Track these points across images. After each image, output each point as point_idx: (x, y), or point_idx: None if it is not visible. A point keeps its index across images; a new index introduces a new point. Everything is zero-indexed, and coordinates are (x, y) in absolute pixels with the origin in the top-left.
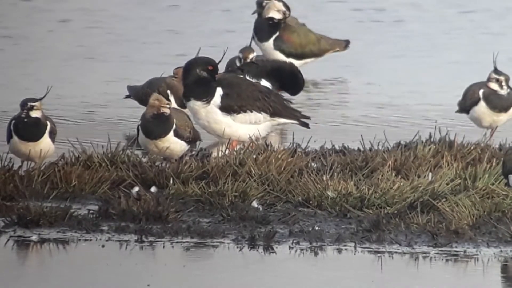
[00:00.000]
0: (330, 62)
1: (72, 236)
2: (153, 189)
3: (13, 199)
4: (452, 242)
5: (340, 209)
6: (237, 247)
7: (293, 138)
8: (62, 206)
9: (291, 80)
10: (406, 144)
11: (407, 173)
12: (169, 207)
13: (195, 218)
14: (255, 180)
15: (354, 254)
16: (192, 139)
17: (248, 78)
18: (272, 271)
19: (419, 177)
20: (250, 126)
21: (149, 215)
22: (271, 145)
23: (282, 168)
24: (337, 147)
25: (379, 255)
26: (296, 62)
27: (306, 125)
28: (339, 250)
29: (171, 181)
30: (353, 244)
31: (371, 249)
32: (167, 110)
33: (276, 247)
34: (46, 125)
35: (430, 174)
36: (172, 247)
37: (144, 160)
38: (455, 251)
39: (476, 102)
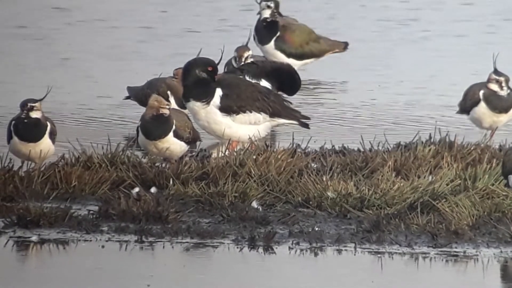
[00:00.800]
0: (330, 62)
1: (72, 237)
2: (153, 189)
3: (13, 200)
4: (452, 243)
5: (340, 209)
6: (237, 248)
7: (293, 139)
8: (62, 207)
9: (289, 81)
10: (406, 145)
11: (407, 174)
12: (169, 207)
13: (195, 219)
14: (255, 181)
15: (354, 254)
16: (191, 139)
17: (247, 78)
18: (272, 272)
19: (419, 177)
20: (249, 126)
21: (149, 216)
22: (271, 146)
23: (282, 169)
24: (337, 148)
25: (379, 255)
26: (296, 63)
27: (306, 126)
28: (339, 251)
29: (171, 182)
30: (353, 244)
31: (371, 250)
32: (166, 111)
33: (276, 248)
34: (46, 125)
35: (430, 175)
36: (172, 247)
37: (144, 160)
38: (455, 251)
39: (476, 103)
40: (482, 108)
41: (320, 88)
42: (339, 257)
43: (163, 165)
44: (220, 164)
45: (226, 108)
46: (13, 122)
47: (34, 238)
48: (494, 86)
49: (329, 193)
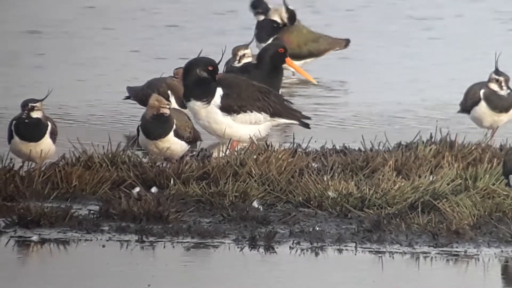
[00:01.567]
0: (330, 61)
1: (73, 236)
2: (153, 189)
3: (14, 200)
4: (453, 242)
5: (341, 209)
6: (238, 247)
7: (293, 138)
8: (63, 207)
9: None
10: (407, 144)
11: (408, 173)
12: (169, 207)
13: (195, 218)
14: (255, 181)
15: (355, 254)
16: (192, 139)
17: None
18: (273, 272)
19: (420, 177)
20: (250, 126)
21: (150, 215)
22: (271, 145)
23: (283, 168)
24: (337, 147)
25: (380, 255)
26: (295, 62)
27: (306, 125)
28: (340, 251)
29: (171, 182)
30: (354, 244)
31: (372, 249)
32: (167, 111)
33: (277, 248)
34: (47, 125)
35: (431, 175)
36: (173, 247)
37: (144, 160)
38: (456, 251)
39: (476, 102)
40: (482, 108)
41: (320, 88)
42: (340, 256)
43: (164, 164)
44: (220, 163)
45: (227, 108)
46: (14, 122)
47: (35, 237)
48: (494, 86)
49: (330, 193)
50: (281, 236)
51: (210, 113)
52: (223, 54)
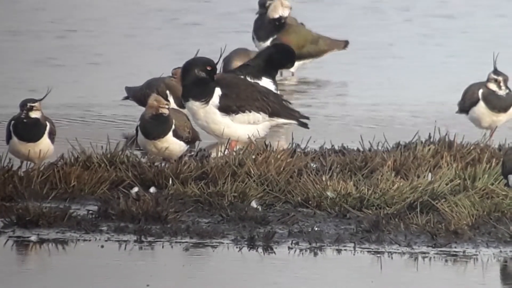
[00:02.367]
0: (329, 62)
1: (71, 237)
2: (152, 189)
3: (13, 200)
4: (451, 243)
5: (340, 209)
6: (236, 248)
7: (292, 138)
8: (61, 207)
9: (283, 54)
10: (405, 145)
11: (406, 174)
12: (168, 207)
13: (194, 219)
14: (254, 181)
15: (354, 254)
16: (191, 139)
17: (248, 78)
18: (271, 272)
19: (418, 177)
20: (249, 126)
21: (148, 216)
22: (270, 146)
23: (282, 169)
24: (336, 147)
25: (378, 255)
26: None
27: (305, 125)
28: (339, 251)
29: (170, 182)
30: (352, 244)
31: (371, 250)
32: (166, 111)
33: (276, 248)
34: (46, 125)
35: (430, 174)
36: (171, 247)
37: (143, 160)
38: (455, 251)
39: (475, 102)
40: (481, 108)
41: (319, 87)
42: (339, 257)
43: (163, 164)
44: (219, 164)
45: (225, 108)
46: (13, 122)
47: (33, 238)
48: (493, 86)
49: (328, 193)
50: (280, 236)
51: (208, 113)
52: (221, 55)
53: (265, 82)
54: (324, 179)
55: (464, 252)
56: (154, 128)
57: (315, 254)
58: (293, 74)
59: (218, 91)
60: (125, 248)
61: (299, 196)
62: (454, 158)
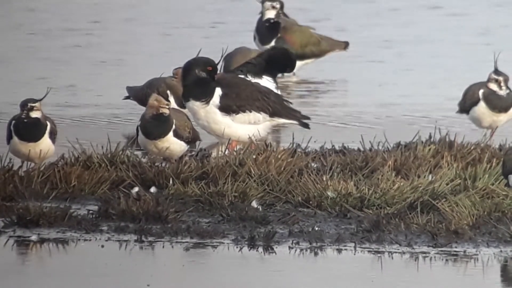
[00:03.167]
0: (330, 62)
1: (72, 236)
2: (152, 189)
3: (13, 200)
4: (452, 242)
5: (340, 209)
6: (237, 247)
7: (293, 138)
8: (62, 206)
9: (284, 59)
10: (406, 144)
11: (407, 173)
12: (168, 207)
13: (194, 218)
14: (254, 180)
15: (354, 254)
16: (191, 139)
17: (249, 78)
18: (272, 271)
19: (419, 177)
20: (249, 126)
21: (149, 215)
22: (270, 145)
23: (282, 168)
24: (337, 147)
25: (379, 255)
26: (297, 63)
27: (306, 125)
28: (339, 251)
29: (170, 182)
30: (353, 244)
31: (371, 249)
32: (166, 111)
33: (276, 247)
34: (46, 125)
35: (430, 174)
36: (172, 247)
37: (143, 160)
38: (455, 251)
39: (476, 102)
40: (481, 108)
41: (320, 87)
42: (339, 256)
43: (163, 164)
44: (219, 163)
45: (226, 108)
46: (13, 122)
47: (34, 237)
48: (493, 86)
49: (329, 193)
50: (280, 236)
51: (209, 113)
52: (222, 55)
53: (266, 81)
54: (324, 179)
55: (464, 252)
56: (154, 128)
57: (316, 254)
58: (294, 74)
59: (218, 91)
60: (125, 248)
61: (299, 196)
62: (455, 158)
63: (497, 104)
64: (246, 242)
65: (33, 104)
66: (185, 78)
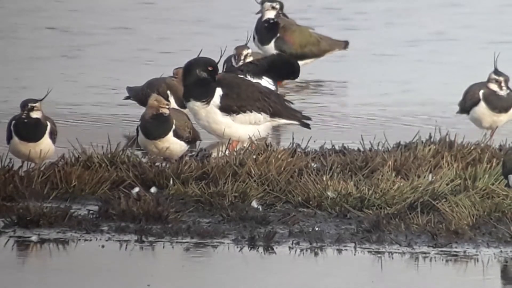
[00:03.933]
0: (330, 62)
1: (72, 237)
2: (153, 189)
3: (13, 200)
4: (452, 243)
5: (340, 209)
6: (237, 248)
7: (293, 138)
8: (62, 207)
9: (287, 67)
10: (406, 145)
11: (407, 174)
12: (169, 207)
13: (195, 219)
14: (255, 181)
15: (354, 254)
16: (191, 139)
17: (248, 78)
18: (272, 272)
19: (419, 177)
20: (250, 126)
21: (149, 216)
22: (271, 145)
23: (282, 168)
24: (337, 148)
25: (379, 255)
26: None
27: (307, 126)
28: (339, 251)
29: (171, 182)
30: (353, 244)
31: (371, 250)
32: (166, 111)
33: (276, 248)
34: (46, 125)
35: (430, 175)
36: (172, 247)
37: (144, 160)
38: (455, 251)
39: (476, 102)
40: (482, 108)
41: (320, 88)
42: (339, 257)
43: (163, 164)
44: (220, 163)
45: (226, 108)
46: (13, 122)
47: (34, 238)
48: (494, 86)
49: (329, 193)
50: (281, 236)
51: (209, 113)
52: (222, 54)
53: (265, 82)
54: (324, 179)
55: (464, 252)
56: (154, 128)
57: (316, 254)
58: None
59: (219, 91)
60: (126, 248)
61: (299, 196)
62: (455, 158)
63: (497, 104)
64: (246, 242)
65: (34, 104)
66: (185, 78)
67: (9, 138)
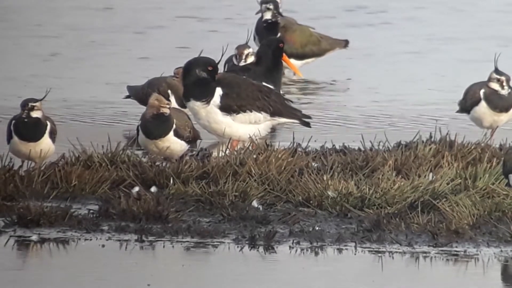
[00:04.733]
0: (330, 61)
1: (72, 236)
2: (153, 189)
3: (14, 199)
4: (452, 242)
5: (341, 209)
6: (238, 247)
7: (293, 138)
8: (62, 206)
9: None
10: (406, 144)
11: (407, 173)
12: (169, 206)
13: (195, 218)
14: (255, 180)
15: (355, 254)
16: (192, 138)
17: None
18: (273, 271)
19: (419, 176)
20: (250, 126)
21: (149, 215)
22: (271, 145)
23: (283, 168)
24: (337, 147)
25: (379, 255)
26: (297, 62)
27: (307, 125)
28: (340, 250)
29: (171, 181)
30: (353, 244)
31: (372, 249)
32: (167, 110)
33: (277, 247)
34: (46, 125)
35: (431, 174)
36: (172, 246)
37: (144, 160)
38: (456, 251)
39: (477, 102)
40: (482, 108)
41: (320, 87)
42: (340, 256)
43: (163, 164)
44: (220, 163)
45: (226, 108)
46: (13, 121)
47: (34, 237)
48: (495, 85)
49: (329, 193)
50: (281, 236)
51: (209, 113)
52: (223, 54)
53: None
54: (325, 178)
55: (465, 251)
56: (155, 127)
57: (316, 253)
58: (294, 74)
59: (219, 91)
60: (126, 248)
61: (300, 196)
62: (455, 157)
63: (498, 104)
64: (247, 242)
65: (34, 104)
66: (185, 77)
67: (9, 138)
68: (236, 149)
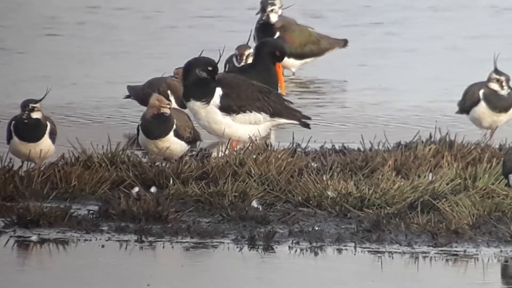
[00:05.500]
0: (330, 61)
1: (72, 236)
2: (153, 189)
3: (13, 200)
4: (452, 242)
5: (340, 209)
6: (237, 247)
7: (293, 138)
8: (62, 206)
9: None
10: (406, 144)
11: (407, 173)
12: (169, 207)
13: (195, 218)
14: (255, 180)
15: (354, 254)
16: (192, 139)
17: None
18: (272, 271)
19: (419, 177)
20: (250, 126)
21: (149, 215)
22: (271, 145)
23: (282, 168)
24: (337, 147)
25: (379, 255)
26: (296, 62)
27: (306, 125)
28: (339, 250)
29: (171, 181)
30: (353, 244)
31: (371, 249)
32: (167, 110)
33: (276, 247)
34: (46, 125)
35: (431, 174)
36: (172, 247)
37: (144, 160)
38: (455, 251)
39: (476, 102)
40: (482, 108)
41: (320, 87)
42: (339, 256)
43: (163, 164)
44: (220, 163)
45: (226, 108)
46: (13, 122)
47: (34, 237)
48: (494, 86)
49: (329, 193)
50: (280, 236)
51: (209, 113)
52: (221, 54)
53: None
54: (324, 178)
55: (464, 251)
56: (155, 127)
57: (316, 253)
58: (293, 74)
59: (219, 91)
60: (125, 248)
61: (299, 196)
62: (455, 157)
63: (497, 104)
64: (246, 242)
65: (34, 105)
66: (185, 78)
67: (9, 138)
68: (235, 149)
